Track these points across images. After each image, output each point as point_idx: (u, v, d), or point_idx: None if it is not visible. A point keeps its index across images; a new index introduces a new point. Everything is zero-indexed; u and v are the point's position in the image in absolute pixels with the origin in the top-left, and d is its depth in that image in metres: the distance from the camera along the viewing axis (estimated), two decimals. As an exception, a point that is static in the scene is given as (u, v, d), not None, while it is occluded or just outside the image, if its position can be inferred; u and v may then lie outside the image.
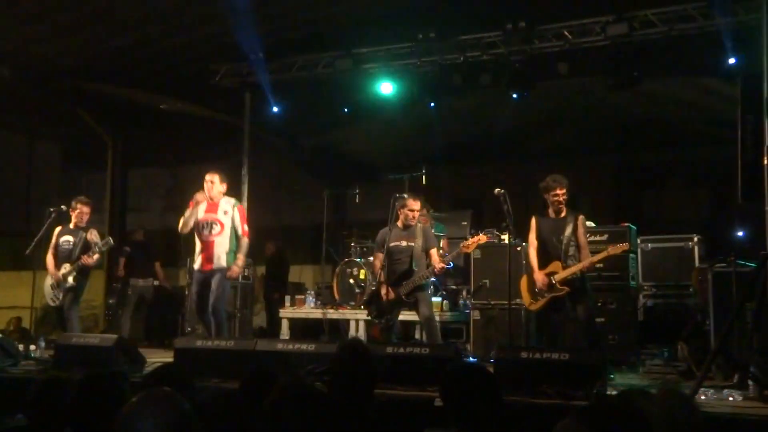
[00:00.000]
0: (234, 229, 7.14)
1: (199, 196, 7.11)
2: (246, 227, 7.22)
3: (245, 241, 7.18)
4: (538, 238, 6.62)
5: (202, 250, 7.11)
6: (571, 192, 6.67)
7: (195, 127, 12.33)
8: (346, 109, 10.46)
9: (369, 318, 7.93)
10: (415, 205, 7.03)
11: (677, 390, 2.74)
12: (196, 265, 7.18)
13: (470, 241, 7.01)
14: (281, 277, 10.98)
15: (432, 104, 9.88)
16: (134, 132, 12.75)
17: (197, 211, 7.13)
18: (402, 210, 7.03)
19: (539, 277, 6.48)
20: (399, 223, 7.08)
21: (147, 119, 12.34)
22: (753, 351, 5.22)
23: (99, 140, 12.59)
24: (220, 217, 7.12)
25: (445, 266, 7.08)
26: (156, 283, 10.05)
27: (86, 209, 8.02)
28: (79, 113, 12.04)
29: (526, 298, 6.71)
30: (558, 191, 6.51)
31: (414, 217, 7.02)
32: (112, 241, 8.01)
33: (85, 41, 9.86)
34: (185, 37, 9.86)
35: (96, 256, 7.85)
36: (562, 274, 6.41)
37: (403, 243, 6.96)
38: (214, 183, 7.17)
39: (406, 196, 7.21)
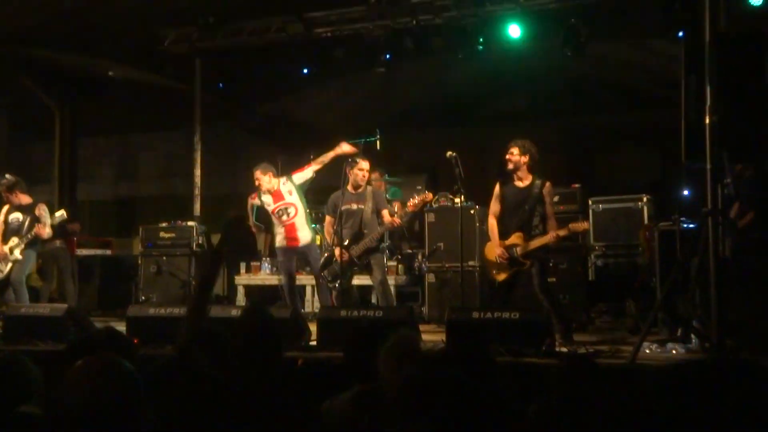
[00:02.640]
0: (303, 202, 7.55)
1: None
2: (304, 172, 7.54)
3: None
4: (501, 205, 6.34)
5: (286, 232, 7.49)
6: (537, 159, 6.33)
7: (145, 95, 12.08)
8: (305, 71, 10.33)
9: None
10: (365, 164, 7.09)
11: None
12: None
13: (416, 199, 6.99)
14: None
15: (383, 69, 9.83)
16: (82, 100, 12.45)
17: (261, 202, 7.59)
18: (351, 171, 7.06)
19: (498, 250, 6.21)
20: (350, 187, 7.11)
21: (95, 87, 12.05)
22: (695, 306, 5.39)
23: (46, 109, 12.27)
24: (287, 200, 7.45)
25: (397, 222, 7.09)
26: (108, 252, 9.93)
27: (18, 192, 7.84)
28: (24, 81, 11.70)
29: (490, 267, 6.50)
30: (512, 150, 6.25)
31: (364, 177, 7.06)
32: (65, 214, 7.85)
33: (28, 6, 9.55)
34: (132, 2, 9.62)
35: (48, 230, 7.72)
36: (525, 248, 6.15)
37: (354, 206, 7.01)
38: (260, 179, 7.46)
39: (357, 159, 7.21)
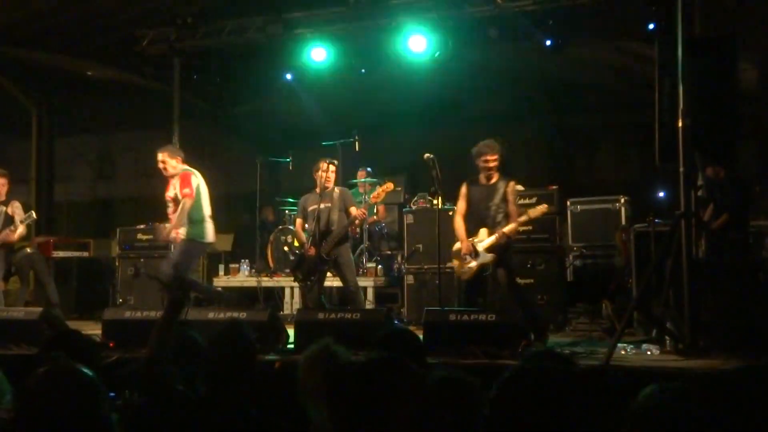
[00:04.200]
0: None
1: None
2: (186, 190, 6.88)
3: (185, 203, 6.85)
4: (468, 204, 6.47)
5: None
6: (505, 158, 6.55)
7: (123, 94, 12.00)
8: (288, 76, 10.34)
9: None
10: (324, 165, 7.23)
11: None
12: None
13: (378, 190, 7.20)
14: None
15: (363, 70, 9.85)
16: (60, 99, 12.36)
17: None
18: (316, 174, 7.24)
19: (464, 245, 6.35)
20: (317, 189, 7.26)
21: (73, 86, 11.96)
22: (669, 307, 5.44)
23: (23, 108, 12.17)
24: (170, 195, 7.01)
25: (361, 214, 7.18)
26: (86, 254, 9.85)
27: (1, 180, 7.74)
28: (1, 81, 11.59)
29: (456, 266, 6.60)
30: (488, 157, 6.36)
31: (328, 179, 7.21)
32: (34, 214, 7.78)
33: (6, 5, 9.45)
34: (111, 1, 9.55)
35: (20, 231, 7.63)
36: (488, 241, 6.28)
37: (321, 205, 7.14)
38: (166, 162, 6.96)
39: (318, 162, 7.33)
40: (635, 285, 6.58)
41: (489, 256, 6.29)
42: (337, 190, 7.30)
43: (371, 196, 7.13)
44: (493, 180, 6.42)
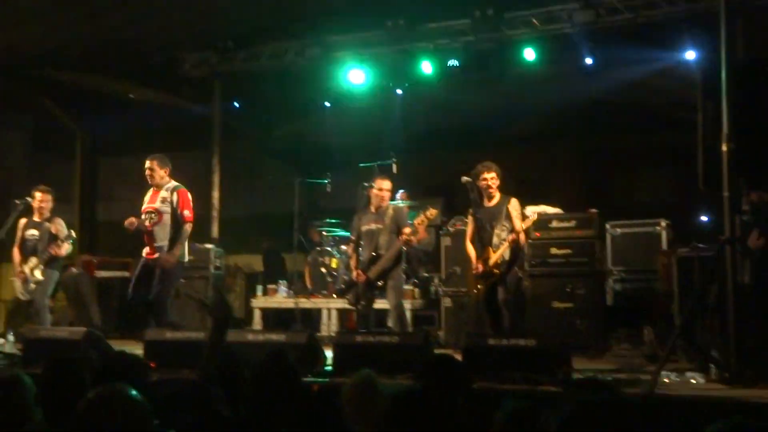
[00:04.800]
0: (174, 217, 6.80)
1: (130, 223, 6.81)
2: (188, 213, 6.81)
3: (186, 228, 6.80)
4: (475, 228, 6.67)
5: (145, 240, 6.88)
6: (503, 178, 6.69)
7: (165, 116, 12.20)
8: (327, 104, 10.45)
9: (344, 307, 8.00)
10: (383, 183, 7.02)
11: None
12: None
13: (421, 216, 6.76)
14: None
15: (399, 91, 9.87)
16: (103, 121, 12.60)
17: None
18: (371, 191, 7.03)
19: (473, 264, 6.60)
20: (372, 207, 7.04)
21: (116, 108, 12.20)
22: (714, 334, 5.34)
23: (67, 129, 12.44)
24: (158, 205, 6.82)
25: (410, 237, 6.79)
26: (127, 274, 9.95)
27: (45, 197, 7.78)
28: (46, 102, 11.88)
29: (470, 287, 6.81)
30: (485, 175, 6.60)
31: (383, 198, 6.96)
32: (74, 233, 7.88)
33: (51, 29, 9.71)
34: (153, 25, 9.76)
35: (66, 246, 7.70)
36: (492, 258, 6.47)
37: (373, 226, 6.92)
38: (154, 170, 6.86)
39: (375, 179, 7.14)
40: (678, 311, 6.47)
41: (495, 274, 6.48)
42: (391, 209, 7.00)
43: (415, 222, 6.91)
44: (495, 200, 6.66)
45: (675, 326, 6.21)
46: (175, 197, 6.81)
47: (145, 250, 6.88)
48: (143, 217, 6.89)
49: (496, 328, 6.43)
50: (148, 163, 6.91)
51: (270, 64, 9.81)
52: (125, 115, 12.36)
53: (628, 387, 5.10)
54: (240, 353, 5.81)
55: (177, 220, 6.79)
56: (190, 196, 6.93)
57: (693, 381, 5.25)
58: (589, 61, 8.66)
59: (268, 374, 3.16)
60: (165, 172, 6.92)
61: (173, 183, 6.96)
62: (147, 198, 6.97)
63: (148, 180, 6.93)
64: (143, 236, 6.89)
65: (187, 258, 7.00)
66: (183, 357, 5.88)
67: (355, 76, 9.61)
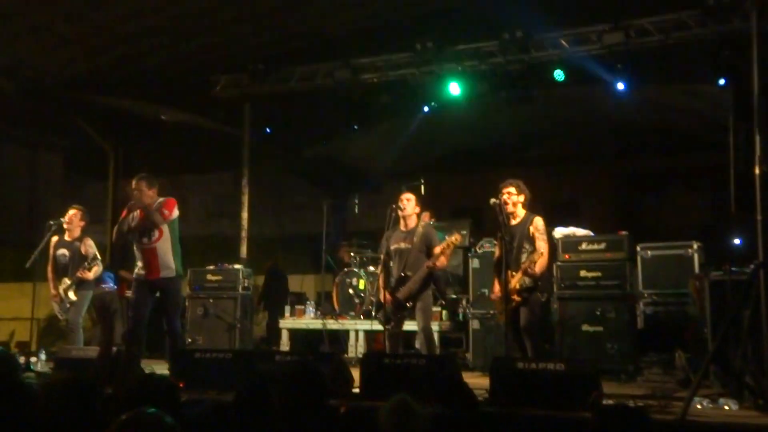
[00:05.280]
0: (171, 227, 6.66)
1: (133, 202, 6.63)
2: (166, 212, 6.59)
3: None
4: (501, 250, 6.32)
5: (143, 258, 6.65)
6: (528, 196, 6.45)
7: (196, 138, 12.39)
8: (355, 126, 10.49)
9: (371, 328, 7.97)
10: (404, 195, 6.87)
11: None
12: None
13: (448, 241, 6.63)
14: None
15: (426, 109, 9.86)
16: (135, 142, 12.81)
17: (130, 218, 6.67)
18: (398, 205, 6.83)
19: (495, 289, 6.45)
20: (401, 225, 6.90)
21: (148, 129, 12.40)
22: (748, 359, 5.23)
23: (100, 150, 12.66)
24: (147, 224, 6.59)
25: (432, 265, 6.64)
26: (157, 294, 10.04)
27: (72, 216, 7.83)
28: (80, 124, 12.11)
29: (497, 309, 6.64)
30: (506, 190, 6.36)
31: (404, 208, 6.79)
32: (99, 256, 7.90)
33: (86, 53, 9.93)
34: (185, 49, 9.94)
35: (95, 269, 7.75)
36: (512, 283, 6.18)
37: (402, 245, 6.78)
38: (142, 191, 6.57)
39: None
40: (711, 335, 6.35)
41: (515, 300, 6.20)
42: (421, 227, 6.80)
43: (438, 250, 6.76)
44: (518, 219, 6.40)
45: (708, 351, 6.11)
46: (163, 208, 6.62)
47: (142, 270, 6.65)
48: (139, 234, 6.63)
49: (522, 354, 6.31)
50: (134, 184, 6.63)
51: (300, 86, 9.90)
52: (157, 136, 12.58)
53: (659, 413, 5.02)
54: (268, 375, 5.86)
55: (174, 232, 6.66)
56: (175, 203, 6.74)
57: (726, 407, 5.13)
58: (621, 86, 8.57)
59: (295, 384, 3.16)
60: (153, 192, 6.65)
61: (161, 198, 6.75)
62: (136, 216, 6.64)
63: (136, 200, 6.60)
64: (142, 255, 6.63)
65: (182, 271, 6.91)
66: (211, 376, 5.92)
67: (384, 98, 9.66)
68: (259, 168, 10.79)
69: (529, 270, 6.17)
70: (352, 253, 9.75)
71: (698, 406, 5.09)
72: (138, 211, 6.64)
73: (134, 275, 6.82)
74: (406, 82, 9.52)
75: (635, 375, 7.17)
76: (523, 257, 6.25)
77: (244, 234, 10.30)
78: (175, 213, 6.70)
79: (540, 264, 6.22)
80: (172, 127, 12.08)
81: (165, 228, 6.63)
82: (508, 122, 10.17)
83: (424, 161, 10.90)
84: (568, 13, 8.62)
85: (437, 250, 6.68)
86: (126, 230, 6.66)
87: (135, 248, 6.72)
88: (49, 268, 7.86)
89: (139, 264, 6.69)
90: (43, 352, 8.04)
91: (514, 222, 6.40)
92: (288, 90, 10.01)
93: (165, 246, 6.62)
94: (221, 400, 5.25)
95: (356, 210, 9.95)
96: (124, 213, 6.71)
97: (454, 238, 6.63)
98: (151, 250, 6.59)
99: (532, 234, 6.28)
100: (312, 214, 11.08)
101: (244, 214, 10.38)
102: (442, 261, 6.77)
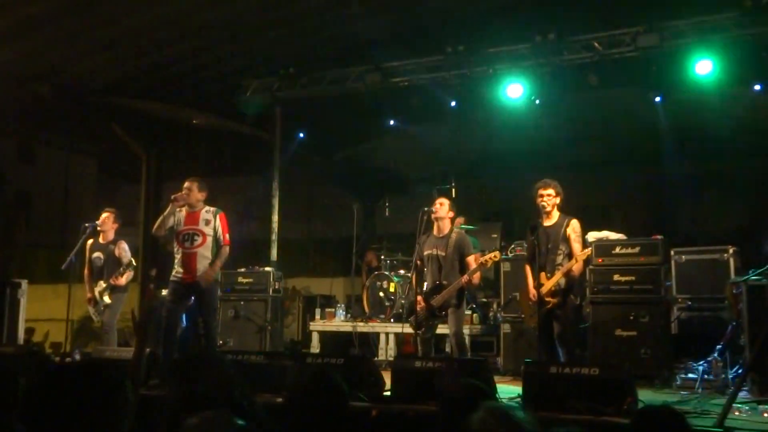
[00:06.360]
0: (216, 239, 6.88)
1: (177, 197, 6.86)
2: (228, 236, 6.92)
3: (225, 250, 6.92)
4: (532, 249, 6.30)
5: (183, 262, 6.85)
6: (563, 197, 6.38)
7: (227, 141, 12.48)
8: (392, 122, 10.47)
9: (401, 331, 7.95)
10: (439, 199, 6.84)
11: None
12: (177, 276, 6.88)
13: (487, 256, 6.73)
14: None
15: (453, 103, 9.78)
16: (168, 146, 12.95)
17: (175, 217, 6.89)
18: (432, 209, 6.79)
19: (530, 291, 6.24)
20: (435, 230, 6.86)
21: (180, 134, 12.53)
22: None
23: (133, 154, 12.81)
24: (201, 227, 6.86)
25: (470, 280, 6.59)
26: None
27: (105, 219, 7.95)
28: (114, 129, 12.27)
29: (525, 314, 6.56)
30: (541, 191, 6.27)
31: (435, 211, 6.75)
32: (134, 262, 8.03)
33: (120, 59, 10.06)
34: (216, 54, 10.02)
35: (127, 274, 7.84)
36: (546, 286, 6.13)
37: (435, 251, 6.75)
38: (192, 190, 6.88)
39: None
40: (748, 341, 6.23)
41: (549, 302, 6.12)
42: (454, 234, 6.77)
43: (476, 264, 6.64)
44: (553, 220, 6.31)
45: (744, 357, 5.99)
46: (218, 221, 6.90)
47: (180, 272, 6.83)
48: (182, 237, 6.87)
49: (552, 359, 6.21)
50: (187, 184, 6.91)
51: (330, 89, 9.92)
52: (189, 140, 12.70)
53: (697, 419, 4.93)
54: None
55: (218, 243, 6.89)
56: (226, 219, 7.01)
57: (765, 414, 5.04)
58: (657, 99, 8.47)
59: (312, 394, 3.06)
60: (202, 195, 6.94)
61: (211, 207, 7.01)
62: (181, 219, 6.89)
63: (184, 199, 6.86)
64: (182, 258, 6.82)
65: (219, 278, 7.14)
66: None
67: (415, 102, 9.65)
68: (288, 171, 10.83)
69: (571, 273, 6.13)
70: (382, 257, 9.74)
71: (736, 413, 4.99)
72: (184, 212, 6.89)
73: (171, 277, 6.94)
74: (437, 85, 9.50)
75: (670, 381, 7.04)
76: (559, 259, 6.18)
77: (274, 237, 10.34)
78: (228, 228, 6.95)
79: (578, 267, 6.18)
80: (203, 131, 12.18)
81: (209, 236, 6.84)
82: (541, 125, 10.09)
83: (453, 164, 10.86)
84: (602, 15, 8.53)
85: (473, 263, 6.64)
86: (169, 227, 6.89)
87: (175, 250, 6.93)
88: (86, 271, 7.97)
89: (178, 266, 6.86)
90: (77, 352, 8.13)
91: (548, 223, 6.32)
92: (318, 93, 10.04)
93: (206, 252, 6.84)
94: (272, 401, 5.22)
95: (386, 213, 9.93)
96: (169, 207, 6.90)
97: (493, 254, 6.66)
98: (191, 254, 6.81)
99: (569, 236, 6.21)
100: (342, 217, 11.09)
101: (275, 217, 10.43)
102: (477, 277, 6.75)
